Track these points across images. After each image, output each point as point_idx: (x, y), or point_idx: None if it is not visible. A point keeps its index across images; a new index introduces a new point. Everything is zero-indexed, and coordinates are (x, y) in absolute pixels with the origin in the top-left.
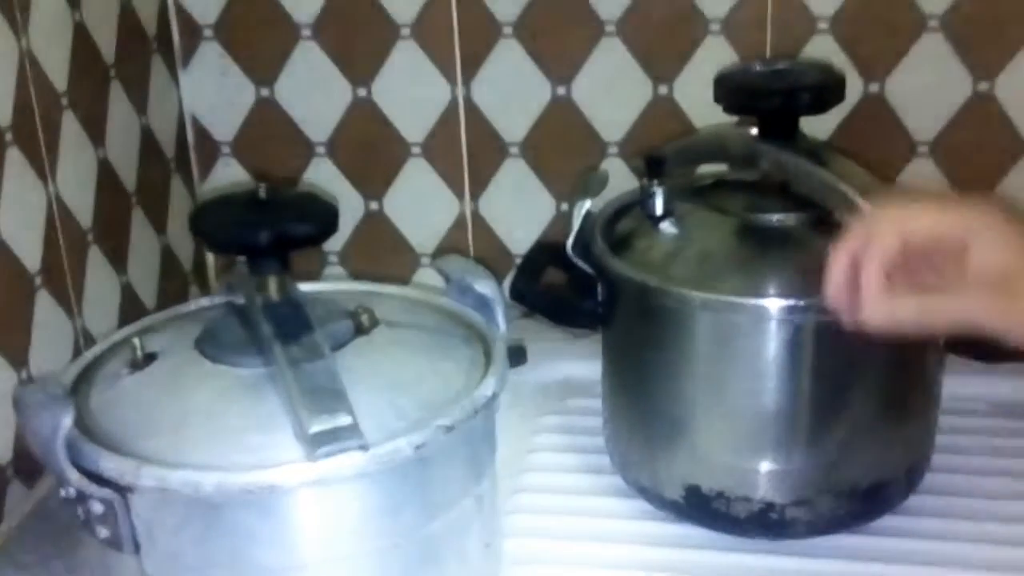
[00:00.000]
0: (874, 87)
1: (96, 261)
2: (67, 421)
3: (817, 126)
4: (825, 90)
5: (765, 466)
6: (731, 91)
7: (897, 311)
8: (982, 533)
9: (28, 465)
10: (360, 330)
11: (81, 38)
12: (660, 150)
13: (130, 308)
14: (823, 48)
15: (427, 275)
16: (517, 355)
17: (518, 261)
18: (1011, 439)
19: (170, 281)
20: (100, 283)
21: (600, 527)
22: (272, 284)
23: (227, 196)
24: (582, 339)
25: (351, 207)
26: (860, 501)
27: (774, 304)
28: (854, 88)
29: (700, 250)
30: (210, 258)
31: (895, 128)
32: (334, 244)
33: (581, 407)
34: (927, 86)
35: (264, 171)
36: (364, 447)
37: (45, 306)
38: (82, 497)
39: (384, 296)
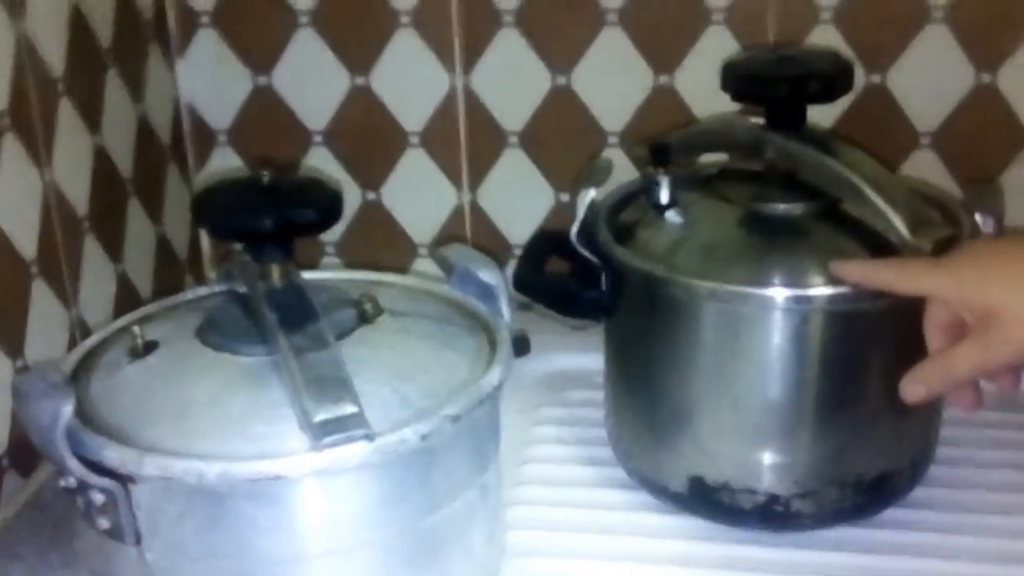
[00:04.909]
0: (876, 78)
1: (92, 249)
2: (68, 409)
3: (819, 117)
4: (834, 78)
5: (770, 457)
6: (739, 78)
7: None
8: (986, 526)
9: (24, 455)
10: (364, 319)
11: (78, 24)
12: (665, 138)
13: (125, 298)
14: (826, 38)
15: (424, 266)
16: (521, 345)
17: (516, 252)
18: (1014, 432)
19: (165, 271)
20: (96, 272)
21: (602, 519)
22: (275, 272)
23: (229, 182)
24: (580, 331)
25: (348, 197)
26: (865, 493)
27: (780, 294)
28: (856, 79)
29: (706, 239)
30: (206, 248)
31: (897, 119)
32: (331, 235)
33: (582, 399)
34: (930, 77)
35: (260, 160)
36: (370, 436)
37: (41, 294)
38: (83, 487)
39: (387, 285)
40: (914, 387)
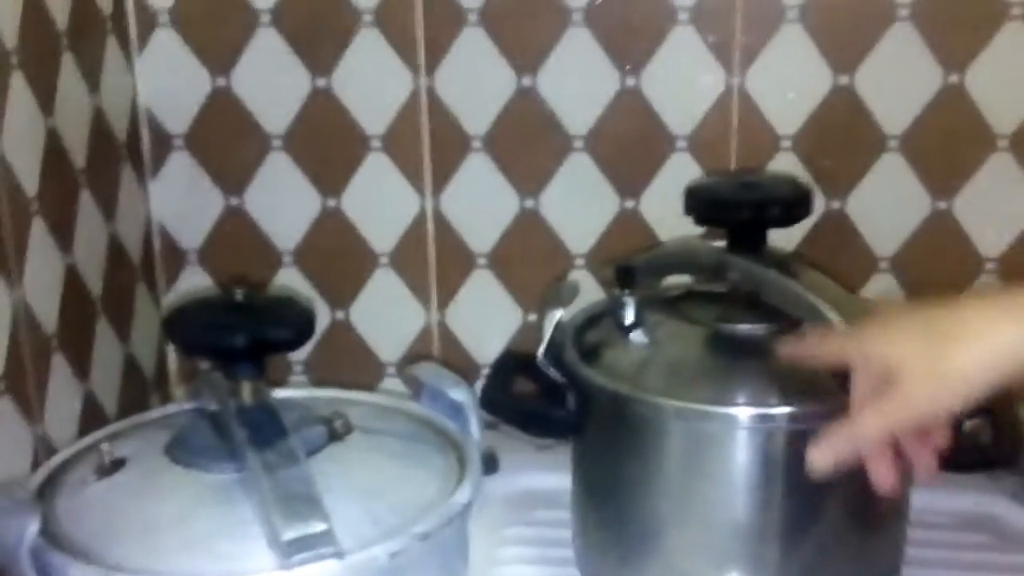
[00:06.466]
0: (836, 203)
1: (59, 367)
2: (33, 528)
3: (781, 239)
4: (794, 203)
5: None
6: (701, 203)
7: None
8: None
9: None
10: (334, 436)
11: (53, 144)
12: (630, 260)
13: (91, 416)
14: (786, 165)
15: (392, 384)
16: (489, 463)
17: (484, 372)
18: (976, 552)
19: (132, 389)
20: (62, 390)
21: None
22: (246, 389)
23: (202, 300)
24: (547, 450)
25: (317, 316)
26: None
27: (744, 412)
28: (817, 203)
29: (671, 359)
30: (172, 366)
31: (856, 243)
32: (299, 353)
33: (549, 519)
34: (887, 203)
35: (231, 279)
36: (339, 555)
37: (6, 411)
38: None
39: (357, 403)
40: (820, 454)
